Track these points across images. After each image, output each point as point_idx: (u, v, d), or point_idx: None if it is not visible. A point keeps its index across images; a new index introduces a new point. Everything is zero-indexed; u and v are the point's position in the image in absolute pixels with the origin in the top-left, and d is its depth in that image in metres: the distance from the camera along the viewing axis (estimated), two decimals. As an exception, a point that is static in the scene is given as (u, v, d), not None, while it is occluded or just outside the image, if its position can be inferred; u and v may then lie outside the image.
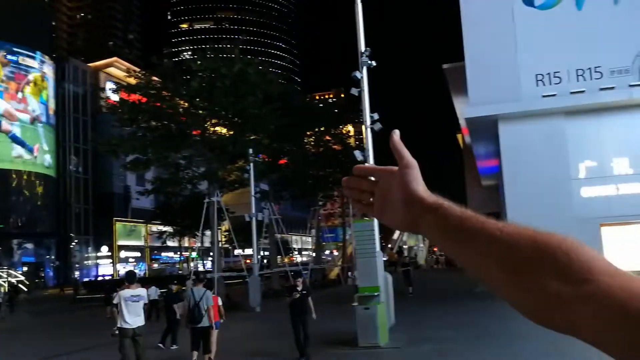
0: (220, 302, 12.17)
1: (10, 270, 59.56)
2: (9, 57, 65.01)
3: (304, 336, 11.38)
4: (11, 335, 22.14)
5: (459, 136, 45.68)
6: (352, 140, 48.74)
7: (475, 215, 0.79)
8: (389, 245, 64.94)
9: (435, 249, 79.44)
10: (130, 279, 10.29)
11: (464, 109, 25.00)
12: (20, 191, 65.78)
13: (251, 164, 27.56)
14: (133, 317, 9.72)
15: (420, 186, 0.87)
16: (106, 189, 75.03)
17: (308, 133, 39.64)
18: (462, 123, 30.31)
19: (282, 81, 30.04)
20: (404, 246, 72.98)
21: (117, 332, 10.13)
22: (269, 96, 28.32)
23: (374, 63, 14.39)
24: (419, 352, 12.02)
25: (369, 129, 14.52)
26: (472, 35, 23.15)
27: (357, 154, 14.50)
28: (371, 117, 14.43)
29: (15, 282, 57.12)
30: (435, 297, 22.45)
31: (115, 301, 10.17)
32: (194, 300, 10.85)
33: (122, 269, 70.34)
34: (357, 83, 14.49)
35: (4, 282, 55.84)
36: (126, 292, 9.84)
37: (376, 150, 14.80)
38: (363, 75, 14.39)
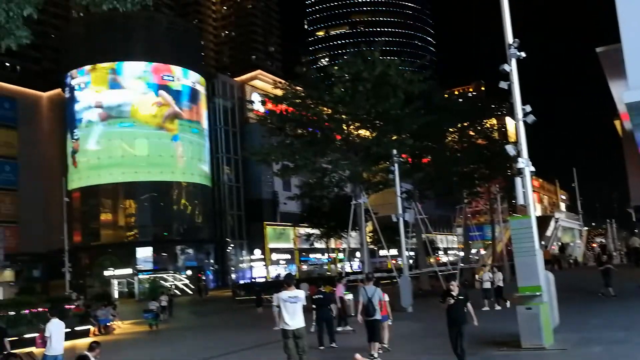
0: (387, 299, 13.78)
1: (175, 274, 64.59)
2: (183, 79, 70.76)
3: (461, 349, 10.42)
4: (180, 333, 24.06)
5: (617, 123, 42.40)
6: (496, 134, 46.95)
7: None
8: (542, 243, 61.75)
9: (593, 245, 74.19)
10: (288, 280, 10.67)
11: (623, 94, 23.19)
12: (180, 201, 71.07)
13: (395, 164, 27.61)
14: (293, 319, 10.02)
15: None
16: (256, 195, 78.93)
17: (450, 130, 38.88)
18: (621, 109, 28.13)
19: (422, 79, 29.74)
20: (558, 243, 69.02)
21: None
22: (409, 96, 28.24)
23: (523, 54, 13.84)
24: (588, 355, 11.35)
25: (520, 122, 13.98)
26: (628, 13, 21.45)
27: (509, 148, 14.02)
28: (523, 109, 13.90)
29: (181, 285, 61.90)
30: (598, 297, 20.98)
31: (275, 303, 10.62)
32: (367, 296, 12.41)
33: (274, 271, 73.68)
34: (506, 76, 14.02)
35: (171, 285, 60.74)
36: (284, 294, 10.17)
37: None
38: (512, 67, 13.89)
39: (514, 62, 13.89)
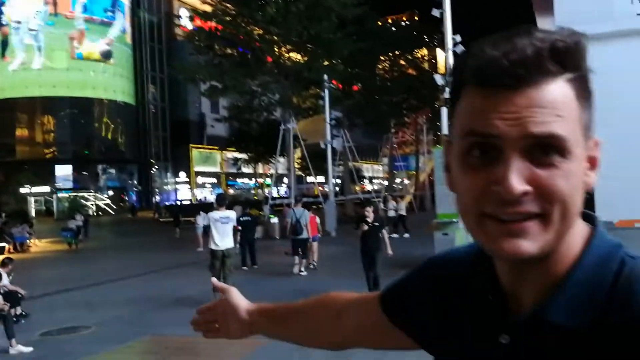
0: (318, 221, 15.23)
1: (97, 194, 62.98)
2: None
3: (374, 277, 9.85)
4: (99, 252, 23.67)
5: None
6: (426, 65, 47.28)
7: (283, 303, 1.29)
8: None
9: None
10: (220, 201, 10.56)
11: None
12: (102, 119, 68.37)
13: (326, 91, 27.42)
14: (223, 239, 10.03)
15: (242, 301, 1.30)
16: (182, 117, 76.93)
17: (382, 58, 38.80)
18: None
19: (356, 4, 29.17)
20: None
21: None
22: (343, 20, 27.75)
23: (457, -18, 13.73)
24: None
25: (450, 52, 14.02)
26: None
27: (438, 78, 14.11)
28: (453, 39, 13.90)
29: (102, 205, 60.55)
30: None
31: (204, 223, 10.65)
32: (295, 217, 13.67)
33: (200, 194, 73.14)
34: (439, 4, 13.91)
35: (92, 204, 59.28)
36: (215, 214, 10.11)
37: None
38: (445, -6, 13.78)
39: (447, -11, 13.76)
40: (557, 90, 0.68)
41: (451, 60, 14.07)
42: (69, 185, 63.01)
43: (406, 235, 21.93)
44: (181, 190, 76.63)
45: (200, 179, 76.73)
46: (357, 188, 42.79)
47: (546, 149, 0.67)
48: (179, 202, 67.35)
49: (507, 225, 0.68)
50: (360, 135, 62.12)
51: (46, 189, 60.53)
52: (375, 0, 30.50)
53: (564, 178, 0.68)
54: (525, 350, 0.74)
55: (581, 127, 0.71)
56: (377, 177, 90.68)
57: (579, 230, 0.75)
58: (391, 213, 23.06)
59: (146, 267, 16.74)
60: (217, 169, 78.69)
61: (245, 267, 15.09)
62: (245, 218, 15.90)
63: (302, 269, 13.78)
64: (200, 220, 23.24)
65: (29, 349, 7.67)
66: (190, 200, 70.53)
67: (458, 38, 13.87)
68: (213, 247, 10.09)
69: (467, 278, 0.86)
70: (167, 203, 62.57)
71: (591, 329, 0.69)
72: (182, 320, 8.89)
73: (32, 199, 60.81)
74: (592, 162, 0.74)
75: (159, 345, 8.00)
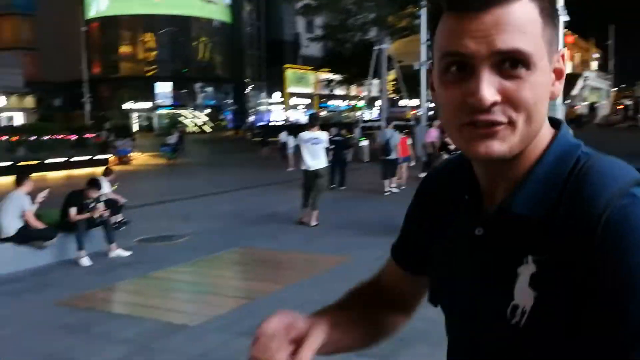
0: (409, 142, 15.68)
1: (194, 112, 65.11)
2: None
3: None
4: (195, 168, 24.61)
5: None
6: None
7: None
8: (567, 101, 60.68)
9: (620, 108, 72.70)
10: (313, 121, 10.48)
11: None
12: (200, 37, 69.54)
13: (422, 9, 26.26)
14: (313, 159, 9.98)
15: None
16: (277, 36, 76.83)
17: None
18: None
19: None
20: (583, 103, 67.78)
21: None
22: None
23: None
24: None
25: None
26: None
27: None
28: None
29: (199, 123, 62.61)
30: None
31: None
32: (385, 138, 13.90)
33: (293, 115, 73.90)
34: None
35: (189, 122, 61.42)
36: (305, 135, 10.05)
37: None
38: None
39: None
40: (521, 9, 0.75)
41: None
42: (168, 102, 65.38)
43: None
44: (274, 111, 77.65)
45: (293, 100, 77.27)
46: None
47: (513, 63, 0.76)
48: (271, 123, 68.62)
49: (481, 129, 0.78)
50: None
51: (147, 105, 63.20)
52: None
53: (530, 89, 0.76)
54: (495, 239, 0.84)
55: (545, 42, 0.78)
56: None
57: (545, 134, 0.84)
58: None
59: (238, 183, 17.25)
60: (310, 90, 78.77)
61: (333, 187, 15.20)
62: (337, 138, 15.95)
63: (393, 185, 14.16)
64: (285, 138, 23.53)
65: (127, 253, 8.15)
66: (283, 121, 71.52)
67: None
68: (304, 167, 10.11)
69: (449, 184, 0.96)
70: (260, 123, 63.81)
71: (545, 219, 0.78)
72: (270, 235, 9.12)
73: (134, 115, 63.81)
74: (558, 74, 0.82)
75: (246, 256, 8.27)
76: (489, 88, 0.75)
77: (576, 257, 0.74)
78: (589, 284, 0.73)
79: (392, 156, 13.92)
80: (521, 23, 0.75)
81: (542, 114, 0.80)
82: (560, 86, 0.83)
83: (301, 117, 77.65)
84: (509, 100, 0.76)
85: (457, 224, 0.92)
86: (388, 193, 13.79)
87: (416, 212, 1.06)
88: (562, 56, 0.83)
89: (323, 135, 10.26)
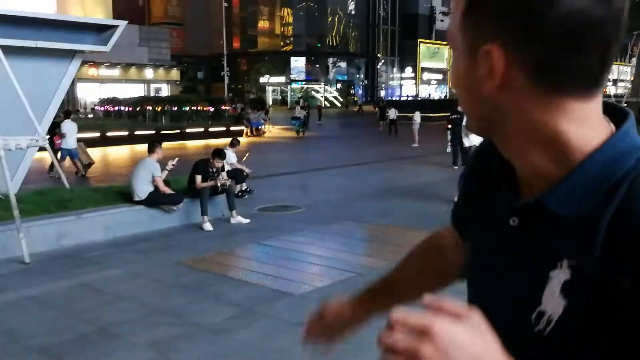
0: None
1: (326, 87, 66.12)
2: None
3: None
4: (324, 142, 25.10)
5: None
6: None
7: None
8: None
9: None
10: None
11: None
12: (335, 12, 70.14)
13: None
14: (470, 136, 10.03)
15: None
16: (412, 10, 75.56)
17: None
18: None
19: None
20: None
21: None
22: None
23: None
24: None
25: None
26: None
27: None
28: None
29: (331, 97, 63.57)
30: None
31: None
32: None
33: (424, 91, 72.74)
34: None
35: (321, 96, 62.48)
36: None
37: None
38: None
39: None
40: None
41: None
42: (302, 77, 66.90)
43: None
44: (406, 86, 76.84)
45: (425, 75, 75.97)
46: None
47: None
48: (402, 98, 67.99)
49: None
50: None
51: (282, 79, 65.10)
52: None
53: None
54: (529, 233, 0.78)
55: (465, 29, 0.77)
56: (623, 80, 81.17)
57: (602, 127, 0.74)
58: None
59: (362, 158, 17.41)
60: (443, 65, 76.96)
61: (456, 167, 14.87)
62: (455, 116, 15.47)
63: None
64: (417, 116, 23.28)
65: (247, 220, 8.58)
66: (414, 96, 70.61)
67: None
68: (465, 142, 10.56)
69: (490, 163, 0.87)
70: (390, 98, 63.49)
71: (586, 222, 0.71)
72: (383, 212, 9.14)
73: (269, 88, 66.05)
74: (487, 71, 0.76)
75: (358, 229, 8.40)
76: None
77: (619, 273, 0.67)
78: (628, 307, 0.65)
79: None
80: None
81: (463, 97, 0.79)
82: (490, 84, 0.72)
83: (433, 92, 76.27)
84: None
85: (497, 207, 0.84)
86: None
87: (467, 181, 0.99)
88: (488, 52, 0.71)
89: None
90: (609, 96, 38.70)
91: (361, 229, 8.45)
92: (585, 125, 0.72)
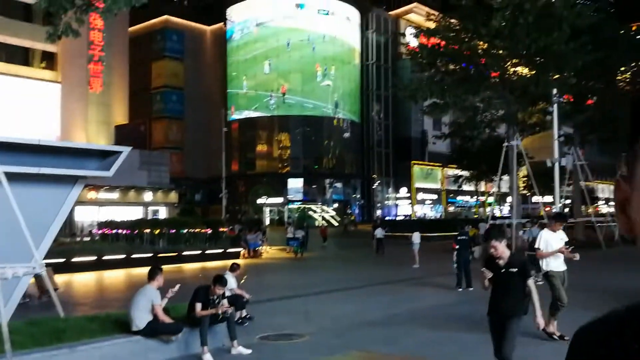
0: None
1: (323, 207, 66.71)
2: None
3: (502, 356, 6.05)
4: (320, 263, 24.83)
5: None
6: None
7: None
8: None
9: None
10: (561, 218, 10.15)
11: None
12: (331, 136, 72.37)
13: (554, 105, 25.62)
14: (556, 261, 9.34)
15: None
16: (405, 133, 78.06)
17: (622, 69, 35.15)
18: None
19: (593, 12, 26.82)
20: None
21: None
22: (576, 30, 25.67)
23: None
24: None
25: None
26: None
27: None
28: None
29: (328, 217, 63.92)
30: None
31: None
32: (532, 235, 14.75)
33: (420, 210, 73.37)
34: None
35: (318, 216, 62.84)
36: (548, 234, 9.39)
37: None
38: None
39: None
40: None
41: None
42: (300, 197, 67.68)
43: None
44: (401, 206, 77.67)
45: (420, 195, 77.00)
46: (590, 210, 39.13)
47: None
48: (397, 217, 68.44)
49: None
50: (596, 153, 56.99)
51: (279, 200, 65.79)
52: (616, 5, 27.74)
53: None
54: None
55: None
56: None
57: None
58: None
59: (362, 280, 17.16)
60: (437, 186, 78.27)
61: (460, 289, 14.62)
62: (462, 237, 15.48)
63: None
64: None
65: (249, 351, 8.23)
66: (409, 215, 71.12)
67: None
68: (549, 268, 9.44)
69: None
70: (386, 217, 63.84)
71: None
72: (388, 339, 8.80)
73: (267, 209, 66.56)
74: None
75: (364, 361, 8.05)
76: None
77: None
78: None
79: None
80: None
81: None
82: None
83: (428, 211, 76.91)
84: None
85: None
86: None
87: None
88: None
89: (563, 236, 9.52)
90: (604, 215, 38.95)
91: (366, 358, 8.10)
92: None
